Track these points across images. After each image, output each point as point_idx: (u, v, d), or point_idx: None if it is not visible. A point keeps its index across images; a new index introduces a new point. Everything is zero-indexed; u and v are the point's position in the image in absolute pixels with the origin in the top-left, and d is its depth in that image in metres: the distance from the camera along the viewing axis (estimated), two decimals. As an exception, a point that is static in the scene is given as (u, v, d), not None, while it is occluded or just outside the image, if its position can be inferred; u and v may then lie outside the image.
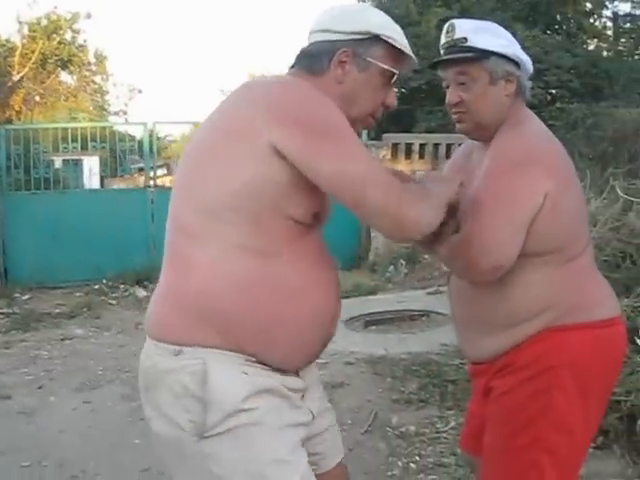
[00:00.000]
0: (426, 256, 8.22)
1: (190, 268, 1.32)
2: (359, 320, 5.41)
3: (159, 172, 11.48)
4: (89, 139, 9.24)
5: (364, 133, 8.78)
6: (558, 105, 10.32)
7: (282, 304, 1.32)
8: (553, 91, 10.89)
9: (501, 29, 1.66)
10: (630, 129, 8.80)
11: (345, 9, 1.46)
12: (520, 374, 1.58)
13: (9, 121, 17.81)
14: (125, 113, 25.14)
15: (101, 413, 3.74)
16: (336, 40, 1.39)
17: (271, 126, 1.26)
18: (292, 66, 1.46)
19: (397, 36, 1.42)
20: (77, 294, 7.61)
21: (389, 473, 2.79)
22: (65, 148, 8.68)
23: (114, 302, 7.27)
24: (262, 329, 1.32)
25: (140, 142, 9.64)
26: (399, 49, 1.42)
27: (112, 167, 9.92)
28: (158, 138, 9.91)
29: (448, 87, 1.66)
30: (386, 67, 1.41)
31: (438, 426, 3.16)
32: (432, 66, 1.70)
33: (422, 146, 9.24)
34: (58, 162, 10.23)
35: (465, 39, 1.61)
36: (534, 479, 1.56)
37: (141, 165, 10.31)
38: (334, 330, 1.47)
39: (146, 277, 7.59)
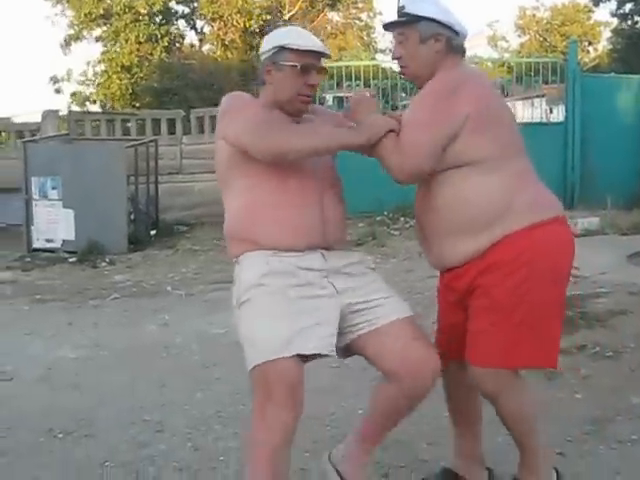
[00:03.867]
0: None
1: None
2: (624, 251, 5.58)
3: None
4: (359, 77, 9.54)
5: None
6: None
7: (262, 215, 2.04)
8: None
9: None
10: None
11: (267, 36, 2.24)
12: (505, 269, 1.99)
13: None
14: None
15: None
16: (264, 58, 2.15)
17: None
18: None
19: (297, 41, 2.09)
20: (360, 224, 8.30)
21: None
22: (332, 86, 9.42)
23: (396, 233, 7.96)
24: (259, 232, 2.04)
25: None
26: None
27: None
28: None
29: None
30: (291, 64, 2.08)
31: None
32: (384, 27, 2.23)
33: None
34: (329, 99, 11.19)
35: (403, 7, 2.10)
36: (522, 350, 2.02)
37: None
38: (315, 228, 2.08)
39: None
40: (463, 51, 2.17)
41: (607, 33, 29.38)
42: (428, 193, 2.09)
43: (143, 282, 5.78)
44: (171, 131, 9.22)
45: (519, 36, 34.29)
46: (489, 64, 23.71)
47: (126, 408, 3.23)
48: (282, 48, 2.10)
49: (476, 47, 24.19)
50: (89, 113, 11.71)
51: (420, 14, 2.07)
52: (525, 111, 11.72)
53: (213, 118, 9.33)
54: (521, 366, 2.16)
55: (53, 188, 7.23)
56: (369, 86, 9.32)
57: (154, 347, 4.06)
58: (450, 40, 2.09)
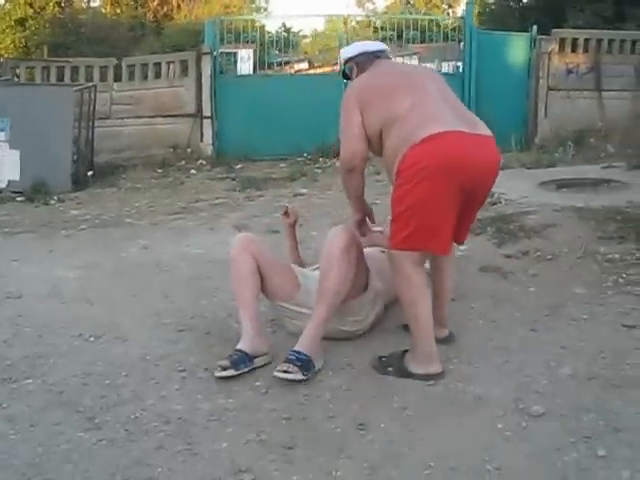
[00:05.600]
0: (592, 139, 8.93)
1: None
2: (551, 184, 6.35)
3: (301, 66, 12.47)
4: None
5: (534, 28, 9.61)
6: None
7: None
8: None
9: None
10: None
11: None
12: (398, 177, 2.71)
13: (167, 16, 19.38)
14: (265, 9, 26.16)
15: None
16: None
17: None
18: None
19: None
20: (281, 165, 8.82)
21: (603, 284, 3.77)
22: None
23: (319, 171, 8.40)
24: None
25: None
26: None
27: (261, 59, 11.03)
28: (293, 33, 10.87)
29: None
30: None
31: (637, 255, 4.10)
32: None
33: (586, 41, 10.06)
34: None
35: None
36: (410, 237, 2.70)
37: (281, 59, 11.47)
38: None
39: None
40: (374, 56, 3.03)
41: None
42: None
43: (103, 215, 5.94)
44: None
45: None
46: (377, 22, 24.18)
47: (141, 314, 3.55)
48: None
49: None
50: (25, 60, 11.71)
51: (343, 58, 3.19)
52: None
53: (144, 66, 9.38)
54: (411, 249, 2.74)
55: (1, 130, 7.24)
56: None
57: (145, 265, 4.35)
58: (358, 63, 3.05)
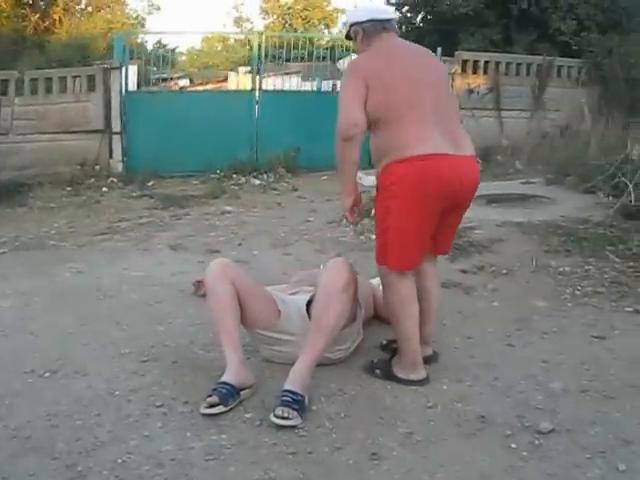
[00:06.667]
0: (499, 156, 9.29)
1: None
2: (481, 199, 6.45)
3: (182, 83, 12.22)
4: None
5: (439, 50, 9.72)
6: (588, 34, 11.21)
7: None
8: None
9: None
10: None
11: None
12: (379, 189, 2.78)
13: (48, 30, 18.63)
14: (143, 26, 25.92)
15: (304, 260, 4.68)
16: None
17: None
18: None
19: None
20: (194, 182, 8.55)
21: (561, 297, 3.84)
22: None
23: (237, 187, 8.20)
24: None
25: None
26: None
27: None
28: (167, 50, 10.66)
29: None
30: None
31: (586, 268, 4.21)
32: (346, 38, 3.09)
33: (486, 63, 10.65)
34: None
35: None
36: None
37: (163, 75, 11.27)
38: None
39: (253, 168, 8.89)
40: (382, 27, 2.86)
41: (343, 18, 33.05)
42: None
43: (22, 237, 5.44)
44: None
45: (263, 18, 37.31)
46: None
47: (96, 345, 3.24)
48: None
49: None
50: None
51: (347, 22, 3.00)
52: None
53: (48, 80, 8.82)
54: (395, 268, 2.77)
55: None
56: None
57: (85, 291, 3.99)
58: (365, 30, 2.86)
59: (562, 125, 9.88)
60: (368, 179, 4.47)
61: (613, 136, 8.02)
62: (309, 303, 2.93)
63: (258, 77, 9.69)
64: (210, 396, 2.55)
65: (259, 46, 9.68)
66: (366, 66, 2.78)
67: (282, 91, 10.31)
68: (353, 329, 3.01)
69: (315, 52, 10.65)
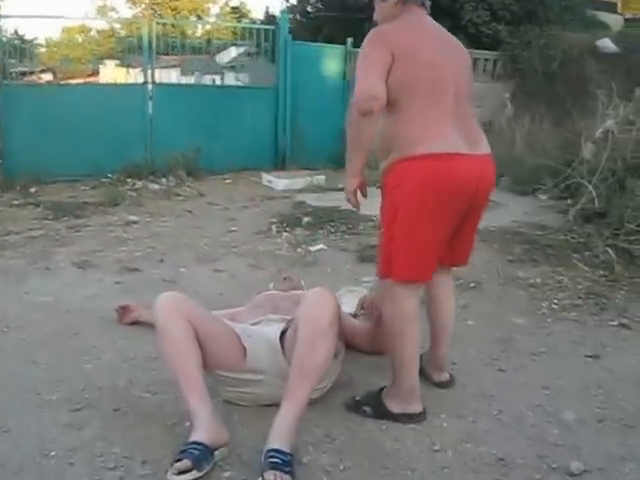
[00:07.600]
0: None
1: None
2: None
3: (44, 76, 11.35)
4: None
5: (349, 41, 9.32)
6: (502, 26, 11.26)
7: None
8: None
9: None
10: (575, 51, 9.82)
11: None
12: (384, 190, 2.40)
13: None
14: None
15: (240, 278, 4.16)
16: None
17: None
18: None
19: None
20: (82, 187, 7.58)
21: (538, 312, 3.55)
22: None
23: (134, 194, 7.24)
24: None
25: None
26: None
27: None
28: (25, 40, 9.63)
29: None
30: None
31: (557, 278, 3.95)
32: None
33: None
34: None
35: None
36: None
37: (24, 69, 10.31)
38: None
39: (149, 172, 7.96)
40: (422, 1, 2.47)
41: (215, 9, 34.94)
42: None
43: None
44: None
45: (130, 8, 35.86)
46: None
47: (13, 390, 2.61)
48: None
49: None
50: None
51: None
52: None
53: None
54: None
55: None
56: None
57: (-14, 323, 3.32)
58: None
59: (485, 121, 9.77)
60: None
61: (543, 132, 7.76)
62: (282, 333, 2.46)
63: (150, 69, 8.56)
64: (179, 460, 2.01)
65: (149, 34, 8.54)
66: (395, 36, 2.34)
67: (179, 85, 9.52)
68: (333, 366, 2.55)
69: (190, 43, 9.98)
